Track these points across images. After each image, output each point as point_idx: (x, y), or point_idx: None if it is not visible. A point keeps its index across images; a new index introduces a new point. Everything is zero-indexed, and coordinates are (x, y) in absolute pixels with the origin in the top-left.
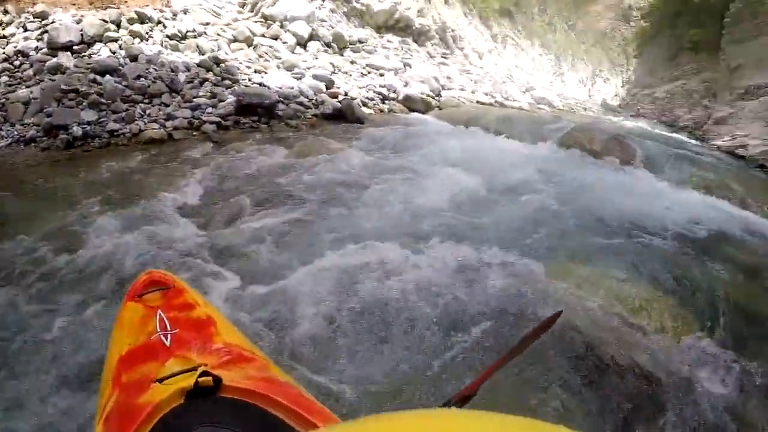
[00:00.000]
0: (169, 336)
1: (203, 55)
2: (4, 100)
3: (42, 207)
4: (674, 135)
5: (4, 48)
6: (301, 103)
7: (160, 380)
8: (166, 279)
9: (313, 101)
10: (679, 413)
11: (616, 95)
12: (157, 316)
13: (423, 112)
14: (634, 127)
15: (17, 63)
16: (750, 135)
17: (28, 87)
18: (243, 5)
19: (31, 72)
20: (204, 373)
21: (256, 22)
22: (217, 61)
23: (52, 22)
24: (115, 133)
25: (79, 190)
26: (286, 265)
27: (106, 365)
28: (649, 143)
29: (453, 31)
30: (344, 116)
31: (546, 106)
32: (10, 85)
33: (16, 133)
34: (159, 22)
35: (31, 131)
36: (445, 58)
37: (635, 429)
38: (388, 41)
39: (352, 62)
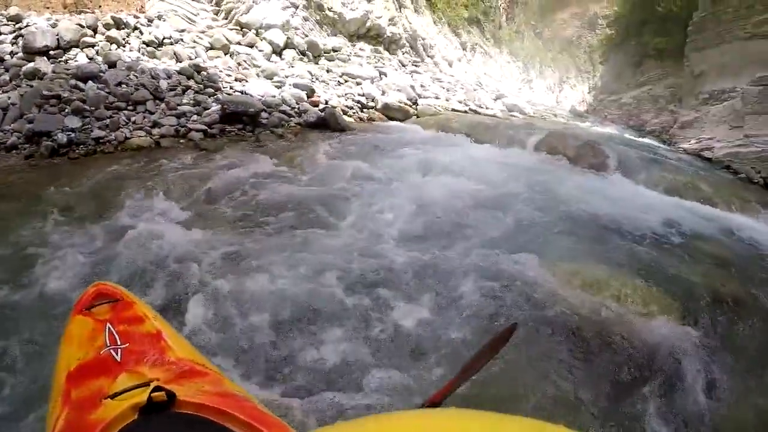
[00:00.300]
0: (119, 350)
1: (180, 62)
2: None
3: (16, 218)
4: (642, 139)
5: None
6: (284, 112)
7: (112, 396)
8: (115, 291)
9: (296, 110)
10: (659, 379)
11: (583, 101)
12: (107, 330)
13: (401, 120)
14: (604, 132)
15: None
16: (715, 138)
17: (5, 92)
18: (217, 12)
19: (7, 77)
20: (157, 388)
21: (231, 29)
22: (198, 69)
23: (27, 26)
24: (101, 141)
25: (58, 200)
26: (237, 290)
27: (54, 382)
28: (620, 148)
29: (423, 39)
30: (327, 125)
31: (518, 113)
32: None
33: None
34: (135, 28)
35: (12, 138)
36: (416, 66)
37: (623, 395)
38: (361, 50)
39: (328, 71)
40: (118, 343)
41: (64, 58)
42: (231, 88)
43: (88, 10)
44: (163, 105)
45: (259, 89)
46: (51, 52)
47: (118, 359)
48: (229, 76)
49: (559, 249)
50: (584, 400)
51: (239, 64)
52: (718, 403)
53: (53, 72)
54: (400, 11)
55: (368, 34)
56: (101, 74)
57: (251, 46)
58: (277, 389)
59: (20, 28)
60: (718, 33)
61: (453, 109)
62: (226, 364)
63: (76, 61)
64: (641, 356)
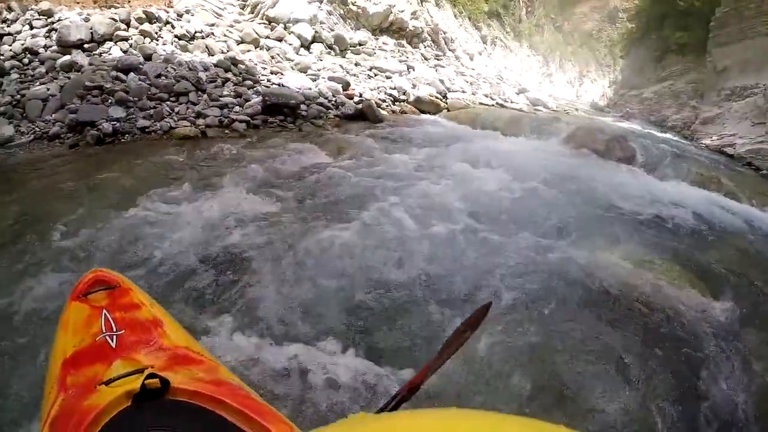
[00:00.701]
0: (114, 337)
1: (213, 55)
2: (19, 96)
3: (64, 205)
4: (664, 135)
5: (10, 45)
6: (321, 104)
7: (107, 383)
8: (112, 278)
9: (333, 102)
10: (686, 341)
11: (603, 95)
12: (103, 317)
13: (433, 114)
14: (627, 127)
15: (26, 60)
16: (737, 134)
17: (43, 84)
18: (243, 7)
19: (43, 69)
20: (151, 375)
21: (260, 23)
22: (234, 62)
23: (59, 20)
24: (146, 130)
25: (111, 187)
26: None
27: (50, 367)
28: (645, 142)
29: (445, 33)
30: (365, 117)
31: (542, 107)
32: (22, 82)
33: (37, 129)
34: (167, 22)
35: (54, 128)
36: (438, 60)
37: (654, 349)
38: (384, 43)
39: (357, 64)
40: (114, 329)
41: (98, 51)
42: (268, 80)
43: (118, 5)
44: (205, 96)
45: (296, 82)
46: (85, 46)
47: (113, 346)
48: (265, 69)
49: (599, 236)
50: (620, 346)
51: (272, 57)
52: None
53: (90, 64)
54: (422, 5)
55: (391, 28)
56: (141, 66)
57: (280, 40)
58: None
59: (52, 23)
60: (740, 29)
61: (480, 103)
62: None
63: (110, 54)
64: (672, 322)
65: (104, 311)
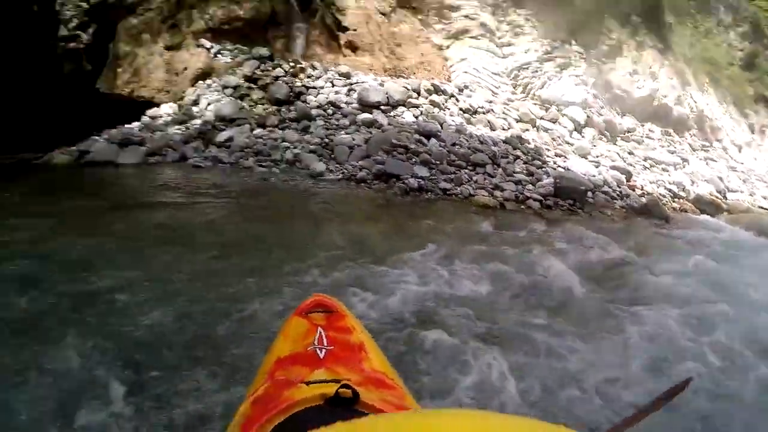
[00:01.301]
0: (324, 350)
1: (494, 130)
2: (327, 140)
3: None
4: None
5: (315, 97)
6: (606, 193)
7: (307, 383)
8: (332, 303)
9: (618, 192)
10: None
11: None
12: (318, 333)
13: (712, 215)
14: None
15: (329, 111)
16: None
17: (348, 134)
18: (515, 86)
19: (346, 122)
20: (345, 386)
21: (534, 104)
22: (521, 140)
23: (356, 82)
24: (447, 192)
25: (416, 235)
26: None
27: (264, 362)
28: None
29: (710, 120)
30: (650, 212)
31: None
32: (327, 129)
33: (345, 171)
34: (452, 95)
35: (361, 173)
36: (706, 151)
37: None
38: (650, 131)
39: (630, 153)
40: (325, 344)
41: (392, 113)
42: (554, 163)
43: (404, 76)
44: (500, 170)
45: (579, 167)
46: (381, 107)
47: (321, 357)
48: (548, 150)
49: None
50: None
51: (554, 139)
52: None
53: (389, 124)
54: (684, 89)
55: (655, 114)
56: (438, 133)
57: (554, 121)
58: None
59: (350, 83)
60: None
61: (760, 207)
62: None
63: (403, 117)
64: None
65: (320, 328)
